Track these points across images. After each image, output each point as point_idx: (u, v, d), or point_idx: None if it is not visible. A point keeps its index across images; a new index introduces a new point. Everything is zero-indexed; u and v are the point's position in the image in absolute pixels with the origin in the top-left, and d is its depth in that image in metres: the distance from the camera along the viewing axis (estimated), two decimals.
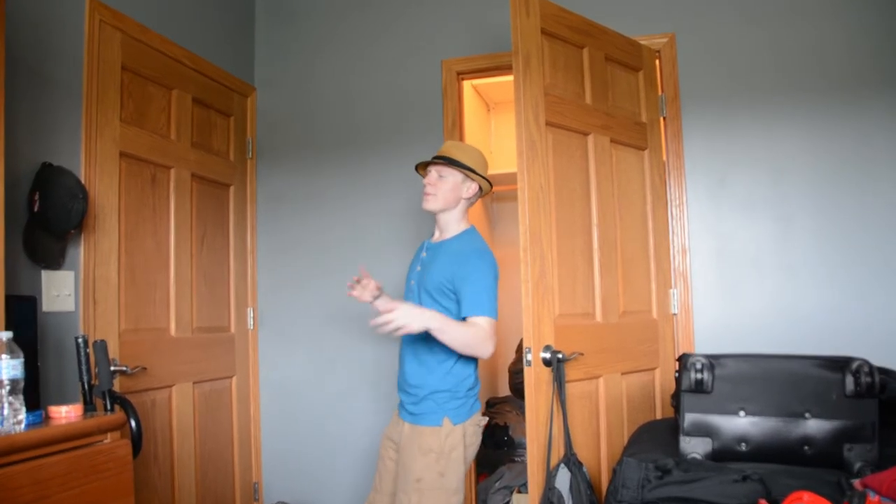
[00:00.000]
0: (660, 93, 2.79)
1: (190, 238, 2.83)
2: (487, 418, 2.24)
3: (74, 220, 2.13)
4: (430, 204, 2.18)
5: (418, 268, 2.23)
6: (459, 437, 2.05)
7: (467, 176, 2.17)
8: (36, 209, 2.03)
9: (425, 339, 2.09)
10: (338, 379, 3.14)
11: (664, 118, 2.79)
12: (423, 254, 2.25)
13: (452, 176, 2.17)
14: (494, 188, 4.10)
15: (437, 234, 2.26)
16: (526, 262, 2.13)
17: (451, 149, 2.22)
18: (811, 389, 1.68)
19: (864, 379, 1.64)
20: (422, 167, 2.27)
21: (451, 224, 2.21)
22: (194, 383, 2.79)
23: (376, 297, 2.30)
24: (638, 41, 2.72)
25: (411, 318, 1.90)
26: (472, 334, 1.99)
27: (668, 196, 2.76)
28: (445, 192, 2.17)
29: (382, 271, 2.55)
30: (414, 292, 2.20)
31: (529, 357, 2.12)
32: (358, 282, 2.29)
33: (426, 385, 2.08)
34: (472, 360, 2.12)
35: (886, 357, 1.94)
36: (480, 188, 2.21)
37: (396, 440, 2.16)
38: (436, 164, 2.19)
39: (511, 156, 2.28)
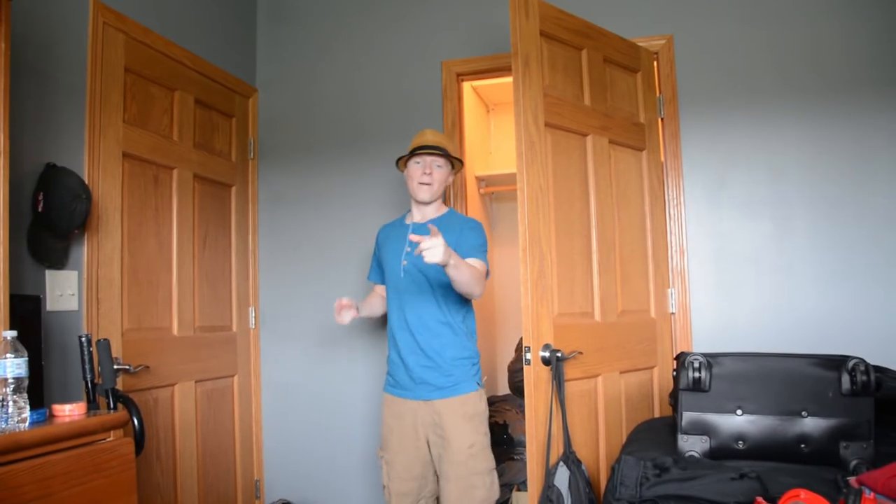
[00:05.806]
0: (658, 94, 2.81)
1: (192, 238, 2.84)
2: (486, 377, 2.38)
3: (78, 220, 2.14)
4: (427, 194, 2.28)
5: (407, 248, 2.27)
6: (485, 398, 2.25)
7: (453, 167, 2.31)
8: (40, 209, 2.05)
9: (427, 327, 2.21)
10: (338, 377, 3.15)
11: (662, 119, 2.81)
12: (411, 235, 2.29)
13: (446, 167, 2.30)
14: (494, 188, 4.15)
15: (417, 216, 2.33)
16: (525, 262, 2.14)
17: (441, 140, 2.32)
18: (808, 388, 1.70)
19: (860, 377, 1.65)
20: (403, 160, 2.33)
21: (432, 209, 2.32)
22: (196, 382, 2.81)
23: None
24: (636, 43, 2.73)
25: (440, 249, 1.86)
26: (474, 273, 2.10)
27: (666, 196, 2.77)
28: (440, 182, 2.29)
29: None
30: (410, 273, 2.25)
31: (529, 356, 2.13)
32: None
33: (447, 357, 2.19)
34: (473, 329, 2.28)
35: (882, 356, 1.96)
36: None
37: (424, 424, 2.21)
38: (434, 154, 2.27)
39: (510, 156, 2.30)
